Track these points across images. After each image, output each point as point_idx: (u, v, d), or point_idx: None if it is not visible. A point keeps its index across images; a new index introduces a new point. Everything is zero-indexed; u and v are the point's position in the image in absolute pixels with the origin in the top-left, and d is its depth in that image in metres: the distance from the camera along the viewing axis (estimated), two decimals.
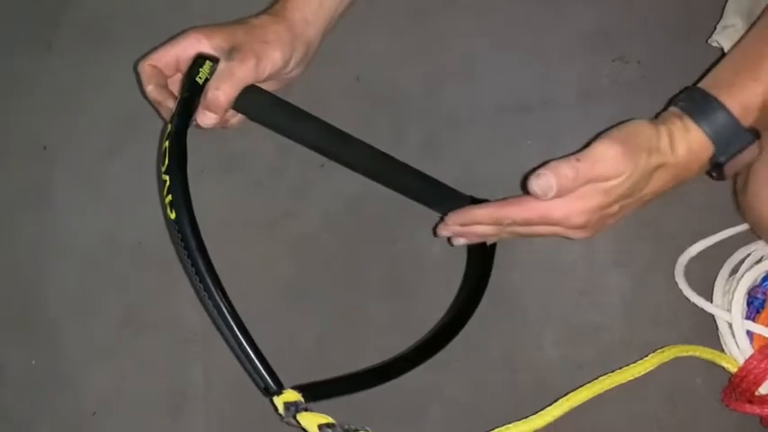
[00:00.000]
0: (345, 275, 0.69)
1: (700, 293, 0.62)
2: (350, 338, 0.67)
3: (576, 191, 0.51)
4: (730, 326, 0.60)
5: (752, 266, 0.61)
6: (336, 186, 0.71)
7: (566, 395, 0.56)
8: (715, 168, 0.52)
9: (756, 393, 0.58)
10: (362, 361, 0.65)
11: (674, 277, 0.64)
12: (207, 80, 0.55)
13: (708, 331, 0.62)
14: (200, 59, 0.56)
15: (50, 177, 0.76)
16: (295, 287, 0.69)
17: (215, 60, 0.56)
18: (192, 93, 0.55)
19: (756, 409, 0.57)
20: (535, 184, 0.51)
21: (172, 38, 0.58)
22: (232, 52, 0.56)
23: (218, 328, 0.48)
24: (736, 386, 0.59)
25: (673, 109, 0.52)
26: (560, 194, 0.51)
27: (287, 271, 0.70)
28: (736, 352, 0.59)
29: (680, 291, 0.64)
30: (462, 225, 0.59)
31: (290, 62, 0.59)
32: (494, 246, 0.66)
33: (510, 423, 0.54)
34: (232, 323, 0.47)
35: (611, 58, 0.72)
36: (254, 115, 0.59)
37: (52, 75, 0.80)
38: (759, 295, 0.59)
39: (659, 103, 0.63)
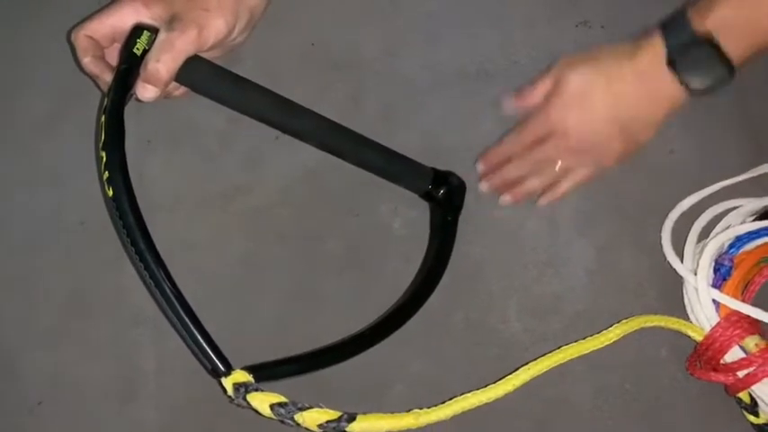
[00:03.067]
0: (302, 251, 0.66)
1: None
2: (307, 316, 0.64)
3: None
4: (697, 292, 0.59)
5: (718, 233, 0.60)
6: (292, 158, 0.68)
7: (525, 365, 0.55)
8: (672, 67, 0.55)
9: (721, 362, 0.58)
10: (320, 339, 0.63)
11: (637, 247, 0.64)
12: (146, 51, 0.52)
13: (673, 301, 0.61)
14: (138, 29, 0.52)
15: None
16: (249, 263, 0.66)
17: (154, 31, 0.53)
18: (129, 65, 0.52)
19: (721, 378, 0.57)
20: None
21: (107, 6, 0.54)
22: (172, 22, 0.53)
23: (162, 310, 0.46)
24: (701, 355, 0.59)
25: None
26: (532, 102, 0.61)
27: (241, 247, 0.67)
28: (703, 320, 0.58)
29: (643, 260, 0.64)
30: (494, 169, 0.64)
31: (234, 29, 0.56)
32: (456, 218, 0.64)
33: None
34: (175, 303, 0.46)
35: (575, 23, 0.70)
36: (197, 87, 0.56)
37: None
38: (726, 262, 0.59)
39: None
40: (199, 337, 0.46)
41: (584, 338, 0.59)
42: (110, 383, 0.64)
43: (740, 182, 0.64)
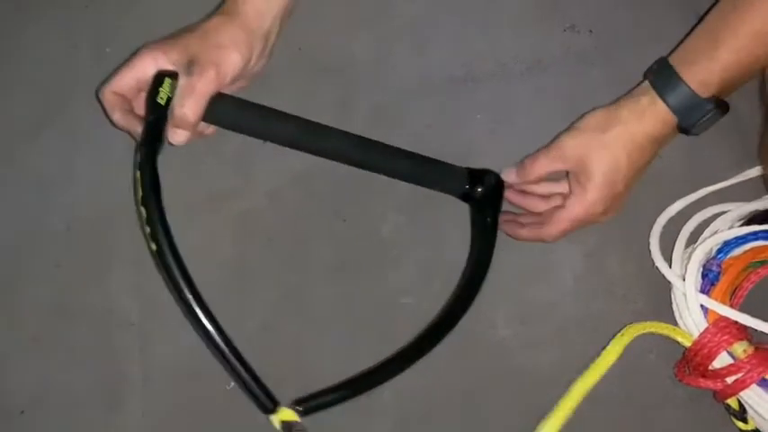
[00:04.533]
0: (290, 255, 0.66)
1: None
2: (295, 320, 0.64)
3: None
4: (685, 297, 0.59)
5: (706, 239, 0.60)
6: (281, 162, 0.67)
7: (547, 417, 0.56)
8: (684, 132, 0.58)
9: (710, 368, 0.57)
10: (308, 344, 0.63)
11: (625, 253, 0.64)
12: (170, 98, 0.54)
13: (661, 307, 0.61)
14: (159, 78, 0.54)
15: None
16: (238, 268, 0.66)
17: (174, 76, 0.54)
18: (156, 115, 0.54)
19: (710, 384, 0.57)
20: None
21: (127, 60, 0.56)
22: (190, 65, 0.54)
23: (213, 352, 0.50)
24: (689, 360, 0.58)
25: (644, 83, 0.59)
26: (531, 177, 0.62)
27: (229, 251, 0.66)
28: (691, 325, 0.58)
29: (631, 266, 0.64)
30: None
31: (251, 60, 0.57)
32: (496, 218, 0.63)
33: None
34: (225, 348, 0.49)
35: (563, 28, 0.70)
36: (224, 123, 0.58)
37: None
38: (714, 268, 0.59)
39: (611, 74, 0.62)
40: (248, 378, 0.49)
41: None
42: (95, 390, 0.63)
43: (728, 186, 0.64)
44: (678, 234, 0.63)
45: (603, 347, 0.60)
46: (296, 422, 0.50)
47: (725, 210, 0.63)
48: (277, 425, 0.50)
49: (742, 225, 0.61)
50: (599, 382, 0.60)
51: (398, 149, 0.61)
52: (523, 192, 0.64)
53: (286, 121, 0.58)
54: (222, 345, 0.49)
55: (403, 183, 0.66)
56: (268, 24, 0.58)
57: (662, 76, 0.57)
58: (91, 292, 0.66)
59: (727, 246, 0.60)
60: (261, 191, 0.67)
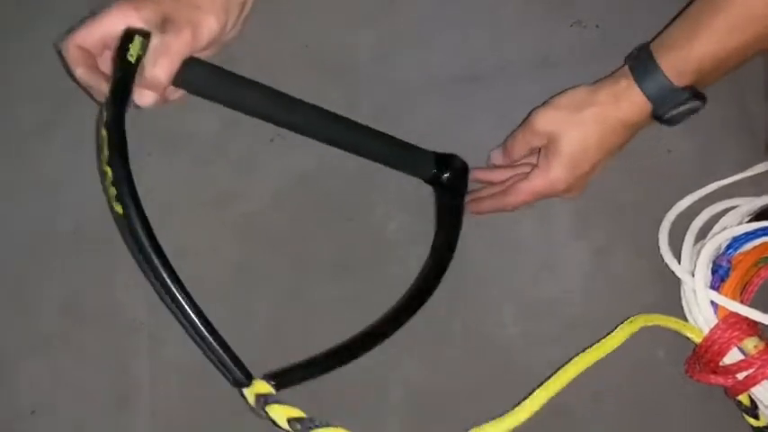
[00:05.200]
0: (296, 256, 0.66)
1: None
2: (302, 321, 0.64)
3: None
4: (695, 294, 0.58)
5: (715, 234, 0.60)
6: (286, 162, 0.68)
7: (540, 385, 0.54)
8: (659, 120, 0.58)
9: (721, 364, 0.57)
10: (315, 344, 0.62)
11: (634, 249, 0.64)
12: (140, 57, 0.50)
13: (670, 303, 0.61)
14: (129, 35, 0.50)
15: None
16: (244, 269, 0.66)
17: (146, 35, 0.51)
18: (125, 73, 0.50)
19: (721, 380, 0.57)
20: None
21: (94, 14, 0.53)
22: (165, 24, 0.51)
23: (180, 322, 0.47)
24: (700, 357, 0.58)
25: (624, 67, 0.59)
26: (514, 156, 0.63)
27: (235, 252, 0.66)
28: (701, 322, 0.58)
29: (640, 263, 0.63)
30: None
31: (227, 25, 0.55)
32: (461, 202, 0.64)
33: (489, 421, 0.52)
34: (193, 316, 0.46)
35: (569, 23, 0.70)
36: (195, 89, 0.55)
37: None
38: (723, 263, 0.58)
39: (617, 69, 0.61)
40: (219, 349, 0.46)
41: (581, 341, 0.58)
42: (105, 390, 0.63)
43: (737, 181, 0.64)
44: (687, 230, 0.62)
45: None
46: (271, 394, 0.47)
47: (734, 205, 0.62)
48: (251, 399, 0.47)
49: (751, 220, 0.61)
50: (608, 380, 0.60)
51: (369, 129, 0.61)
52: (491, 167, 0.66)
53: (256, 91, 0.56)
54: (193, 316, 0.46)
55: (409, 181, 0.66)
56: None
57: (641, 61, 0.57)
58: (99, 292, 0.66)
59: (737, 241, 0.59)
60: (266, 191, 0.67)
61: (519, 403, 0.52)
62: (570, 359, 0.55)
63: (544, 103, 0.60)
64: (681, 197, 0.63)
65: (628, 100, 0.57)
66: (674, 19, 0.57)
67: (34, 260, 0.68)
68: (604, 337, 0.57)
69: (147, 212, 0.64)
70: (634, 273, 0.63)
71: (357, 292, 0.64)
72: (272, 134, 0.68)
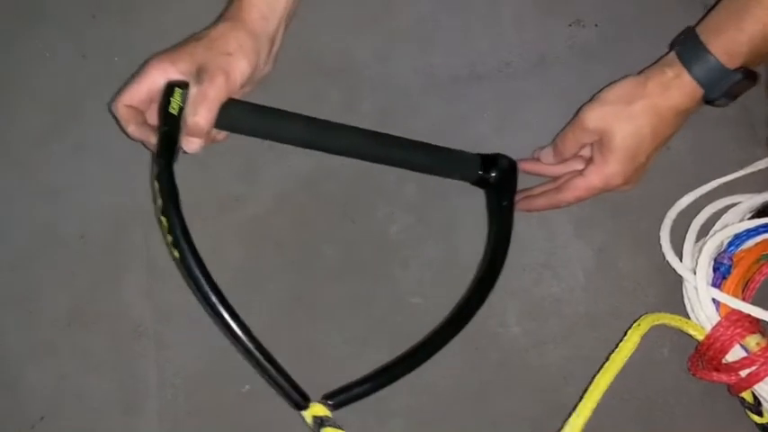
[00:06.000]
0: (299, 259, 0.66)
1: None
2: (305, 323, 0.64)
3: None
4: (697, 291, 0.59)
5: (717, 232, 0.60)
6: (288, 165, 0.68)
7: (572, 413, 0.55)
8: (710, 103, 0.57)
9: (723, 361, 0.57)
10: (319, 346, 0.63)
11: (635, 247, 0.64)
12: (181, 108, 0.54)
13: (672, 300, 0.61)
14: (169, 88, 0.55)
15: None
16: (247, 272, 0.66)
17: (185, 86, 0.55)
18: (169, 126, 0.54)
19: (723, 378, 0.57)
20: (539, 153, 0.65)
21: (137, 72, 0.57)
22: (200, 73, 0.55)
23: (241, 353, 0.51)
24: (702, 354, 0.58)
25: (670, 54, 0.58)
26: (565, 155, 0.62)
27: (238, 256, 0.67)
28: (703, 319, 0.58)
29: (642, 261, 0.63)
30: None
31: (259, 64, 0.58)
32: (512, 201, 0.63)
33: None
34: (253, 349, 0.50)
35: (568, 22, 0.70)
36: (236, 128, 0.58)
37: None
38: (725, 261, 0.58)
39: (618, 68, 0.62)
40: (278, 376, 0.51)
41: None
42: (112, 397, 0.64)
43: (738, 178, 0.64)
44: (689, 227, 0.62)
45: (616, 343, 0.59)
46: (327, 417, 0.51)
47: (735, 202, 0.62)
48: (309, 420, 0.51)
49: (753, 217, 0.61)
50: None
51: (410, 141, 0.62)
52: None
53: (297, 122, 0.59)
54: (251, 346, 0.50)
55: (410, 183, 0.66)
56: (273, 27, 0.58)
57: (688, 46, 0.56)
58: (105, 298, 0.66)
59: (738, 238, 0.59)
60: (269, 195, 0.68)
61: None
62: (591, 385, 0.56)
63: (592, 99, 0.60)
64: (682, 195, 0.64)
65: (677, 88, 0.56)
66: (717, 3, 0.57)
67: (40, 266, 0.68)
68: (617, 347, 0.58)
69: (150, 215, 0.65)
70: (636, 271, 0.63)
71: (361, 293, 0.65)
72: None
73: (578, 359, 0.62)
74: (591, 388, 0.56)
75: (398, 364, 0.56)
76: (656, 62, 0.59)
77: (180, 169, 0.69)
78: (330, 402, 0.52)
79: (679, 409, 0.60)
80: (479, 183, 0.64)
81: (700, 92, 0.56)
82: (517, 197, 0.64)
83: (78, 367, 0.65)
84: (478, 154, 0.63)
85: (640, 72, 0.59)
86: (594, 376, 0.56)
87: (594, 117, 0.59)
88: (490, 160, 0.63)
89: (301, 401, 0.51)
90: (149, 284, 0.66)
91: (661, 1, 0.68)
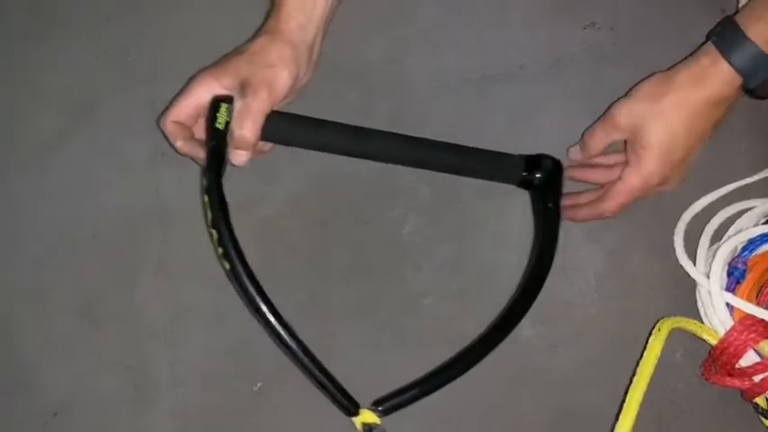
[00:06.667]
0: (313, 259, 0.66)
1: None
2: (318, 325, 0.64)
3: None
4: (710, 296, 0.58)
5: (731, 236, 0.59)
6: (301, 167, 0.68)
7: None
8: (749, 94, 0.56)
9: (737, 366, 0.57)
10: (332, 347, 0.63)
11: (648, 251, 0.64)
12: (227, 122, 0.56)
13: (686, 306, 0.61)
14: (215, 104, 0.56)
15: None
16: (260, 274, 0.65)
17: (229, 100, 0.56)
18: (217, 140, 0.56)
19: (737, 383, 0.57)
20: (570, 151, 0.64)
21: (182, 89, 0.58)
22: (243, 88, 0.56)
23: (292, 360, 0.52)
24: (716, 359, 0.58)
25: (706, 44, 0.57)
26: (591, 152, 0.62)
27: (252, 257, 0.65)
28: (716, 324, 0.58)
29: (655, 265, 0.63)
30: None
31: (300, 74, 0.58)
32: (557, 203, 0.63)
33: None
34: (304, 357, 0.51)
35: (583, 25, 0.70)
36: (282, 140, 0.60)
37: None
38: (739, 265, 0.58)
39: (633, 71, 0.61)
40: (330, 384, 0.52)
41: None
42: (124, 394, 0.64)
43: (753, 182, 0.63)
44: (702, 231, 0.62)
45: (627, 346, 0.60)
46: (377, 425, 0.52)
47: (750, 206, 0.62)
48: (359, 426, 0.53)
49: (767, 222, 0.61)
50: (625, 382, 0.59)
51: (453, 145, 0.62)
52: (587, 166, 0.64)
53: (338, 131, 0.59)
54: (303, 356, 0.51)
55: (423, 184, 0.66)
56: (311, 37, 0.59)
57: (726, 35, 0.55)
58: (118, 297, 0.67)
59: (753, 243, 0.59)
60: (282, 197, 0.68)
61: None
62: (626, 400, 0.55)
63: (624, 96, 0.59)
64: (696, 199, 0.63)
65: (713, 77, 0.55)
66: None
67: (53, 266, 0.68)
68: (643, 357, 0.57)
69: (165, 216, 0.65)
70: (648, 275, 0.63)
71: (373, 294, 0.65)
72: None
73: (590, 362, 0.62)
74: (626, 405, 0.55)
75: (446, 370, 0.56)
76: (690, 54, 0.58)
77: (194, 174, 0.70)
78: (379, 409, 0.53)
79: (692, 414, 0.60)
80: (523, 184, 0.63)
81: (738, 80, 0.55)
82: (564, 201, 0.63)
83: (91, 365, 0.65)
84: (522, 155, 0.63)
85: (671, 66, 0.58)
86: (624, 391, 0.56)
87: (625, 114, 0.58)
88: (534, 161, 0.62)
89: (351, 408, 0.52)
90: (162, 284, 0.67)
91: (676, 3, 0.68)
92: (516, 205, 0.65)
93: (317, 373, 0.51)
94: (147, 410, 0.64)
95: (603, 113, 0.60)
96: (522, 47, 0.69)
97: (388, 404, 0.54)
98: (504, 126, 0.68)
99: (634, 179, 0.59)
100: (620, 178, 0.59)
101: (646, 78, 0.58)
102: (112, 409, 0.64)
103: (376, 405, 0.53)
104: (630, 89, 0.59)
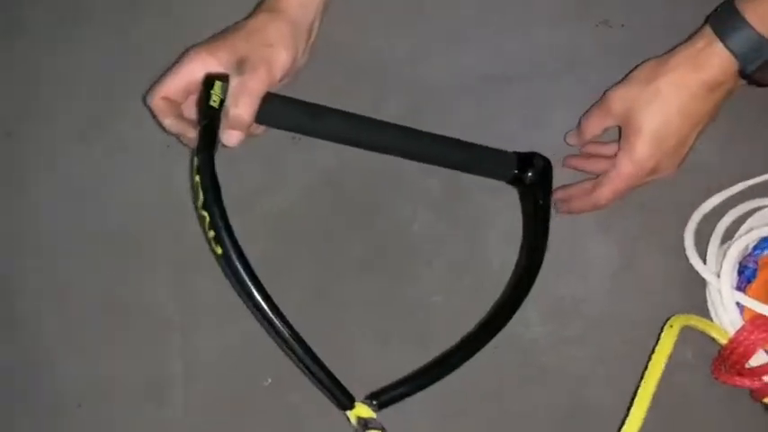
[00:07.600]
0: (322, 253, 0.67)
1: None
2: (328, 318, 0.65)
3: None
4: (721, 295, 0.58)
5: (742, 235, 0.59)
6: (312, 159, 0.68)
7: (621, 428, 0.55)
8: (746, 78, 0.55)
9: (747, 366, 0.57)
10: (340, 342, 0.64)
11: (659, 249, 0.63)
12: (222, 101, 0.53)
13: (696, 304, 0.61)
14: (209, 81, 0.53)
15: (21, 165, 0.72)
16: (271, 266, 0.65)
17: (225, 78, 0.53)
18: (210, 119, 0.53)
19: (746, 382, 0.56)
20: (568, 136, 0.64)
21: (174, 64, 0.55)
22: (240, 65, 0.54)
23: (285, 352, 0.50)
24: (726, 358, 0.58)
25: (702, 29, 0.56)
26: (586, 136, 0.62)
27: (262, 249, 0.67)
28: (726, 323, 0.58)
29: (665, 263, 0.63)
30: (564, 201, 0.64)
31: (297, 55, 0.57)
32: (547, 201, 0.63)
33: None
34: (298, 348, 0.50)
35: (595, 23, 0.70)
36: (277, 123, 0.58)
37: (18, 55, 0.76)
38: (750, 264, 0.58)
39: None
40: (325, 377, 0.51)
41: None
42: (141, 386, 0.66)
43: (764, 181, 0.63)
44: (713, 230, 0.62)
45: (637, 344, 0.60)
46: (372, 419, 0.52)
47: (761, 205, 0.61)
48: (353, 421, 0.52)
49: None
50: (635, 380, 0.59)
51: (446, 138, 0.61)
52: (587, 155, 0.64)
53: (335, 117, 0.58)
54: (297, 347, 0.49)
55: (434, 179, 0.66)
56: (311, 17, 0.58)
57: (723, 17, 0.54)
58: (134, 291, 0.68)
59: (764, 242, 0.59)
60: (292, 189, 0.68)
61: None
62: (637, 397, 0.56)
63: (620, 80, 0.59)
64: (707, 197, 0.63)
65: (708, 60, 0.54)
66: None
67: (74, 261, 0.69)
68: (654, 353, 0.57)
69: (175, 208, 0.65)
70: (659, 273, 0.63)
71: (382, 289, 0.65)
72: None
73: (599, 360, 0.62)
74: (637, 401, 0.55)
75: (439, 364, 0.56)
76: (687, 38, 0.57)
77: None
78: (374, 402, 0.52)
79: (701, 413, 0.60)
80: (514, 182, 0.63)
81: (734, 64, 0.54)
82: (557, 194, 0.63)
83: (109, 358, 0.67)
84: (515, 152, 0.63)
85: (668, 51, 0.58)
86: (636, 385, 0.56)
87: (618, 98, 0.58)
88: (526, 159, 0.62)
89: (346, 402, 0.51)
90: (177, 278, 0.68)
91: (687, 1, 0.67)
92: None
93: (310, 363, 0.50)
94: (161, 402, 0.65)
95: (600, 98, 0.60)
96: (537, 45, 0.69)
97: (384, 397, 0.53)
98: (520, 124, 0.68)
99: (626, 166, 0.58)
100: (613, 166, 0.59)
101: (642, 63, 0.58)
102: (131, 402, 0.65)
103: (371, 398, 0.53)
104: (626, 74, 0.59)
